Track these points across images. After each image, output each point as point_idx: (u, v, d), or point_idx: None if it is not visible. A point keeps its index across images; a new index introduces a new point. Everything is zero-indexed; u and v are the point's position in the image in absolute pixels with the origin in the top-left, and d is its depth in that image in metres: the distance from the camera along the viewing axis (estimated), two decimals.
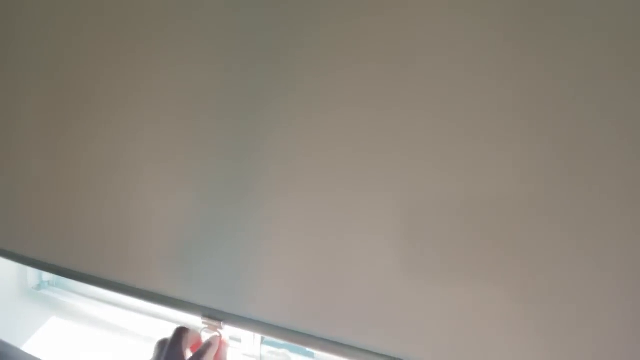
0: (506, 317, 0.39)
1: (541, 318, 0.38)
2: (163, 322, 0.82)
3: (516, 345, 0.40)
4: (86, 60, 0.50)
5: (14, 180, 0.59)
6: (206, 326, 0.53)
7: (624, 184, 0.34)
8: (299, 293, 0.47)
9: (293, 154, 0.42)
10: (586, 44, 0.32)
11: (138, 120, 0.49)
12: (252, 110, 0.43)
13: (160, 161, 0.49)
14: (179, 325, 0.51)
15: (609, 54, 0.32)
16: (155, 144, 0.48)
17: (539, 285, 0.37)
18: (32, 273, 0.92)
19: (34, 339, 0.87)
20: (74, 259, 0.57)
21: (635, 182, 0.33)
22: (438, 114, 0.37)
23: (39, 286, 0.93)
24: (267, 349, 0.70)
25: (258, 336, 0.68)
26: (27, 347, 0.86)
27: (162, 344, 0.50)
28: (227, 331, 0.54)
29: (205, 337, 0.53)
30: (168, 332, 0.51)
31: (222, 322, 0.52)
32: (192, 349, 0.51)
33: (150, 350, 0.69)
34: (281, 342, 0.58)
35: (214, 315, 0.52)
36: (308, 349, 0.68)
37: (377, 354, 0.45)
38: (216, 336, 0.52)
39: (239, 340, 0.70)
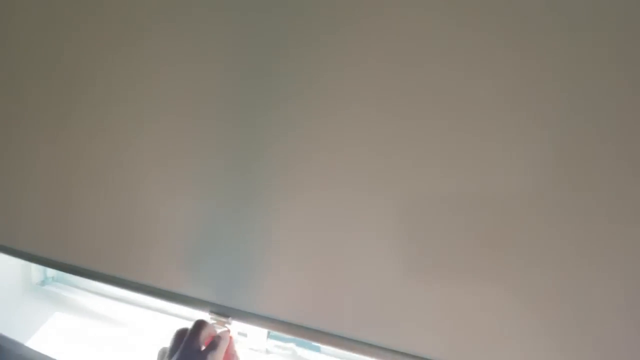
0: (505, 315, 0.40)
1: (541, 317, 0.39)
2: (167, 316, 0.82)
3: (515, 343, 0.40)
4: (90, 58, 0.49)
5: (19, 178, 0.58)
6: (214, 322, 0.53)
7: (625, 183, 0.33)
8: (304, 289, 0.47)
9: (298, 155, 0.43)
10: (586, 44, 0.32)
11: (145, 118, 0.48)
12: (258, 110, 0.43)
13: (167, 159, 0.49)
14: (199, 319, 0.52)
15: (609, 53, 0.32)
16: (161, 142, 0.48)
17: (538, 284, 0.38)
18: (36, 269, 0.92)
19: (39, 335, 0.87)
20: (81, 256, 0.57)
21: (636, 181, 0.33)
22: (439, 115, 0.37)
23: (43, 282, 0.93)
24: (273, 343, 0.70)
25: (264, 331, 0.68)
26: (31, 343, 0.86)
27: (180, 334, 0.51)
28: (235, 327, 0.54)
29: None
30: (186, 324, 0.51)
31: (229, 318, 0.53)
32: (205, 343, 0.51)
33: (155, 345, 0.70)
34: (287, 336, 0.58)
35: (222, 312, 0.53)
36: (314, 343, 0.68)
37: (379, 347, 0.46)
38: (227, 331, 0.53)
39: (244, 335, 0.70)
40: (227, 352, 0.51)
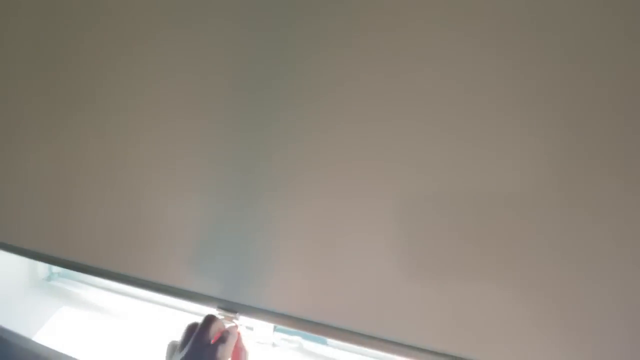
0: (502, 309, 0.40)
1: (540, 315, 0.39)
2: (173, 310, 0.83)
3: (513, 340, 0.41)
4: (96, 56, 0.49)
5: (25, 176, 0.58)
6: (222, 317, 0.54)
7: (625, 182, 0.34)
8: (308, 284, 0.48)
9: (302, 155, 0.43)
10: (586, 43, 0.32)
11: (151, 116, 0.48)
12: (263, 110, 0.43)
13: (174, 157, 0.49)
14: (209, 314, 0.53)
15: (610, 53, 0.32)
16: (167, 140, 0.48)
17: (538, 282, 0.38)
18: (42, 265, 0.93)
19: (45, 329, 0.88)
20: (88, 254, 0.57)
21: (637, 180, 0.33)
22: (439, 116, 0.37)
23: (49, 277, 0.94)
24: (279, 336, 0.71)
25: (271, 324, 0.69)
26: (38, 337, 0.87)
27: (191, 329, 0.52)
28: (243, 322, 0.54)
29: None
30: (193, 317, 0.52)
31: (237, 314, 0.53)
32: (214, 337, 0.52)
33: (161, 339, 0.71)
34: (293, 330, 0.59)
35: (229, 307, 0.53)
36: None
37: (383, 340, 0.46)
38: (235, 326, 0.53)
39: (251, 329, 0.71)
40: (236, 346, 0.52)
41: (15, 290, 0.92)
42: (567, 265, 0.37)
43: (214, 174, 0.48)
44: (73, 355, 0.80)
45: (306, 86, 0.41)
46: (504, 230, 0.38)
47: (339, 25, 0.38)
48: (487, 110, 0.35)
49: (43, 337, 0.86)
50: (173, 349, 0.52)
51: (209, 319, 0.52)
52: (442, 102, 0.37)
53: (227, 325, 0.53)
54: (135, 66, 0.47)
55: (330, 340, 0.71)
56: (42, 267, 0.93)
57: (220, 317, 0.54)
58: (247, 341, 0.55)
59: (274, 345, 0.71)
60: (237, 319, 0.54)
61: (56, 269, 0.95)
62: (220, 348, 0.49)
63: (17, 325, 0.87)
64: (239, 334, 0.53)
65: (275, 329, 0.71)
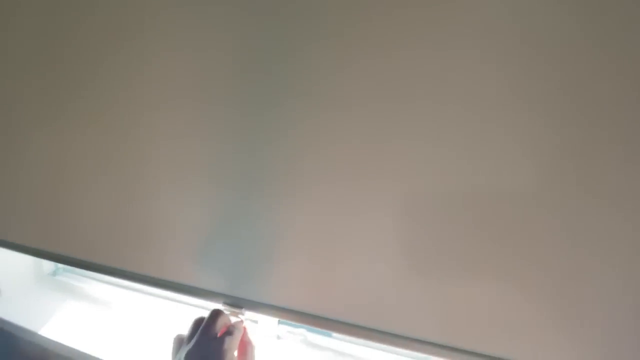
0: (500, 304, 0.41)
1: (540, 311, 0.40)
2: (176, 304, 0.83)
3: (514, 334, 0.42)
4: (97, 48, 0.48)
5: (30, 175, 0.58)
6: (228, 312, 0.54)
7: (626, 180, 0.34)
8: (313, 279, 0.48)
9: (306, 151, 0.43)
10: (589, 40, 0.32)
11: (157, 114, 0.48)
12: (268, 105, 0.43)
13: (178, 155, 0.49)
14: (215, 308, 0.54)
15: (611, 52, 0.32)
16: (172, 138, 0.48)
17: (539, 278, 0.39)
18: (47, 260, 0.93)
19: (51, 323, 0.89)
20: (93, 251, 0.57)
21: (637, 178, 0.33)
22: (443, 113, 0.37)
23: (55, 272, 0.95)
24: (284, 328, 0.72)
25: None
26: (44, 331, 0.88)
27: (198, 322, 0.53)
28: (248, 316, 0.55)
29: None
30: (198, 310, 0.53)
31: (243, 309, 0.54)
32: (220, 331, 0.52)
33: (163, 331, 0.71)
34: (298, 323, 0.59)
35: (235, 303, 0.54)
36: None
37: (386, 333, 0.47)
38: (240, 321, 0.54)
39: (256, 322, 0.72)
40: (242, 340, 0.53)
41: (22, 286, 0.92)
42: (567, 263, 0.37)
43: (217, 171, 0.48)
44: (78, 348, 0.81)
45: (310, 84, 0.40)
46: (506, 227, 0.38)
47: (345, 19, 0.37)
48: (490, 108, 0.35)
49: (49, 330, 0.87)
50: (180, 343, 0.53)
51: (215, 313, 0.52)
52: (445, 100, 0.36)
53: (233, 320, 0.54)
54: (137, 60, 0.47)
55: (334, 333, 0.72)
56: (47, 263, 0.94)
57: (226, 312, 0.54)
58: (253, 335, 0.55)
59: (278, 337, 0.72)
60: (242, 314, 0.54)
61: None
62: (227, 340, 0.49)
63: (24, 320, 0.88)
64: (244, 328, 0.54)
65: (279, 322, 0.72)
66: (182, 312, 0.81)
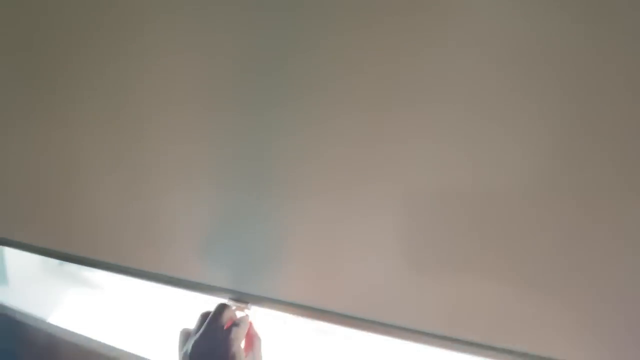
0: (499, 297, 0.41)
1: (540, 306, 0.40)
2: (180, 290, 0.84)
3: (509, 332, 0.42)
4: (105, 46, 0.48)
5: (37, 174, 0.59)
6: (234, 307, 0.55)
7: (626, 178, 0.34)
8: (318, 275, 0.49)
9: (312, 148, 0.43)
10: (586, 39, 0.32)
11: (169, 116, 0.48)
12: (275, 105, 0.44)
13: (183, 152, 0.49)
14: (221, 302, 0.54)
15: (611, 51, 0.31)
16: (179, 138, 0.49)
17: (538, 275, 0.39)
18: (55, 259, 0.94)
19: (59, 311, 0.91)
20: (98, 249, 0.58)
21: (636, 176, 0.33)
22: (443, 113, 0.37)
23: (62, 262, 0.96)
24: None
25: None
26: (52, 319, 0.89)
27: (204, 316, 0.53)
28: (254, 311, 0.56)
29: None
30: (210, 305, 0.54)
31: (248, 304, 0.55)
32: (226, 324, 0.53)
33: (171, 320, 0.73)
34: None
35: (240, 298, 0.54)
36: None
37: (391, 326, 0.48)
38: (246, 316, 0.55)
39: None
40: (248, 333, 0.54)
41: (30, 275, 0.94)
42: (566, 259, 0.37)
43: (222, 168, 0.48)
44: (85, 335, 0.82)
45: (314, 83, 0.41)
46: (506, 225, 0.38)
47: (347, 21, 0.38)
48: (488, 108, 0.36)
49: (57, 318, 0.89)
50: (186, 336, 0.53)
51: (222, 307, 0.53)
52: (445, 100, 0.37)
53: (239, 314, 0.55)
54: (145, 61, 0.47)
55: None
56: None
57: (232, 307, 0.55)
58: (260, 329, 0.56)
59: (285, 322, 0.72)
60: (248, 308, 0.55)
61: None
62: (234, 330, 0.50)
63: (32, 307, 0.90)
64: (250, 323, 0.55)
65: None
66: (187, 299, 0.82)
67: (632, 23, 0.30)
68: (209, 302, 0.55)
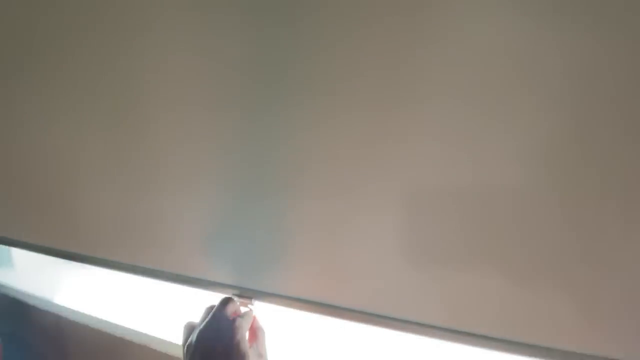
0: (498, 292, 0.41)
1: (539, 301, 0.40)
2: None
3: (512, 324, 0.43)
4: (109, 49, 0.47)
5: (45, 173, 0.59)
6: (238, 302, 0.56)
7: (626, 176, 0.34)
8: (322, 269, 0.49)
9: (314, 148, 0.44)
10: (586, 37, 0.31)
11: (174, 116, 0.48)
12: (276, 108, 0.44)
13: (185, 150, 0.49)
14: (225, 296, 0.55)
15: (612, 49, 0.31)
16: (183, 138, 0.48)
17: (536, 270, 0.39)
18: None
19: (64, 292, 0.92)
20: (102, 247, 0.58)
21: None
22: (441, 112, 0.38)
23: None
24: None
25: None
26: (57, 299, 0.91)
27: (209, 309, 0.54)
28: (257, 306, 0.57)
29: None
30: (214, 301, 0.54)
31: (252, 299, 0.56)
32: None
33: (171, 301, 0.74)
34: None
35: (244, 294, 0.55)
36: None
37: (395, 319, 0.48)
38: (250, 311, 0.56)
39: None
40: (252, 326, 0.54)
41: (36, 258, 0.95)
42: (567, 254, 0.37)
43: (225, 166, 0.48)
44: (91, 314, 0.84)
45: (316, 83, 0.41)
46: (509, 219, 0.38)
47: (348, 21, 0.38)
48: (489, 105, 0.36)
49: (63, 299, 0.91)
50: (190, 329, 0.54)
51: (226, 300, 0.54)
52: (446, 98, 0.37)
53: (243, 310, 0.56)
54: (150, 62, 0.46)
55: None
56: None
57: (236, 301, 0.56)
58: (263, 322, 0.57)
59: (288, 317, 0.74)
60: (252, 304, 0.56)
61: None
62: (239, 319, 0.50)
63: (38, 289, 0.91)
64: (254, 317, 0.56)
65: None
66: (192, 295, 0.83)
67: (632, 23, 0.30)
68: (214, 298, 0.56)
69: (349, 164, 0.43)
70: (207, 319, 0.51)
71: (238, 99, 0.45)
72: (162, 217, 0.53)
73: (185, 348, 0.52)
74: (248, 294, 0.55)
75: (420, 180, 0.40)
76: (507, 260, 0.40)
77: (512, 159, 0.36)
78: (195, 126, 0.48)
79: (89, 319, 0.85)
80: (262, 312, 0.54)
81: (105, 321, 0.84)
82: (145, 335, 0.78)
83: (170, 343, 0.74)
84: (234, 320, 0.50)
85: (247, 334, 0.52)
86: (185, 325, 0.55)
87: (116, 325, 0.83)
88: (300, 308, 0.54)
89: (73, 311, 0.88)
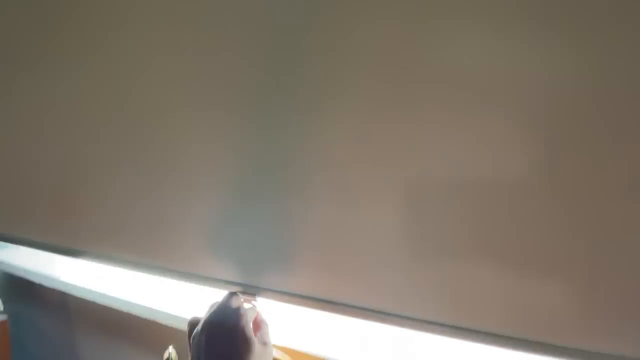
0: (497, 287, 0.41)
1: (538, 296, 0.40)
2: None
3: (506, 322, 0.43)
4: (109, 51, 0.46)
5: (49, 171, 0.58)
6: (242, 299, 0.56)
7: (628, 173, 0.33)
8: (322, 267, 0.50)
9: (315, 147, 0.44)
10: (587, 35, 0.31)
11: (181, 115, 0.49)
12: (279, 108, 0.45)
13: (189, 148, 0.49)
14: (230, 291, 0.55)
15: (609, 48, 0.31)
16: (187, 137, 0.49)
17: (536, 265, 0.39)
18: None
19: (71, 271, 0.94)
20: (105, 243, 0.58)
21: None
22: (443, 108, 0.38)
23: None
24: None
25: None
26: (64, 277, 0.92)
27: (213, 305, 0.55)
28: (260, 303, 0.57)
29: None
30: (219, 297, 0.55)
31: (255, 296, 0.56)
32: None
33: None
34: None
35: (248, 291, 0.56)
36: None
37: (396, 315, 0.48)
38: (253, 307, 0.56)
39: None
40: (256, 319, 0.55)
41: None
42: (567, 248, 0.37)
43: (230, 166, 0.48)
44: (97, 290, 0.86)
45: (319, 87, 0.41)
46: (505, 218, 0.38)
47: (353, 29, 0.38)
48: (491, 100, 0.35)
49: (69, 276, 0.92)
50: (194, 324, 0.55)
51: (231, 294, 0.54)
52: (447, 95, 0.37)
53: (247, 306, 0.56)
54: (157, 57, 0.47)
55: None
56: None
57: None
58: (266, 316, 0.58)
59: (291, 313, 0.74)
60: (255, 300, 0.57)
61: None
62: (244, 308, 0.52)
63: (43, 267, 0.93)
64: (257, 312, 0.56)
65: None
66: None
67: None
68: (218, 295, 0.56)
69: (349, 163, 0.43)
70: (215, 309, 0.52)
71: (246, 101, 0.45)
72: (169, 215, 0.54)
73: (191, 339, 0.53)
74: (251, 291, 0.55)
75: (421, 178, 0.40)
76: (508, 256, 0.40)
77: (513, 154, 0.36)
78: (203, 127, 0.48)
79: (95, 294, 0.87)
80: (265, 308, 0.55)
81: (112, 297, 0.86)
82: (152, 309, 0.80)
83: (177, 317, 0.75)
84: (238, 308, 0.51)
85: (251, 324, 0.53)
86: (190, 321, 0.56)
87: (123, 301, 0.84)
88: (305, 305, 0.54)
89: (79, 288, 0.89)
